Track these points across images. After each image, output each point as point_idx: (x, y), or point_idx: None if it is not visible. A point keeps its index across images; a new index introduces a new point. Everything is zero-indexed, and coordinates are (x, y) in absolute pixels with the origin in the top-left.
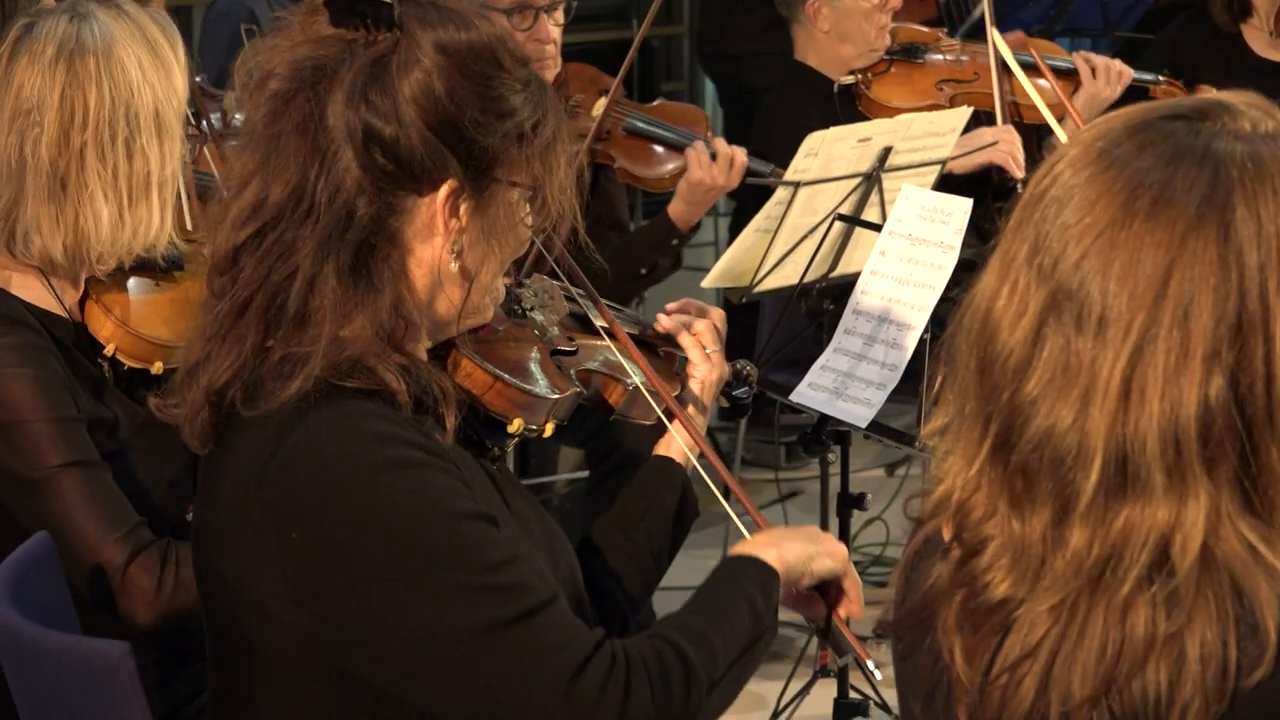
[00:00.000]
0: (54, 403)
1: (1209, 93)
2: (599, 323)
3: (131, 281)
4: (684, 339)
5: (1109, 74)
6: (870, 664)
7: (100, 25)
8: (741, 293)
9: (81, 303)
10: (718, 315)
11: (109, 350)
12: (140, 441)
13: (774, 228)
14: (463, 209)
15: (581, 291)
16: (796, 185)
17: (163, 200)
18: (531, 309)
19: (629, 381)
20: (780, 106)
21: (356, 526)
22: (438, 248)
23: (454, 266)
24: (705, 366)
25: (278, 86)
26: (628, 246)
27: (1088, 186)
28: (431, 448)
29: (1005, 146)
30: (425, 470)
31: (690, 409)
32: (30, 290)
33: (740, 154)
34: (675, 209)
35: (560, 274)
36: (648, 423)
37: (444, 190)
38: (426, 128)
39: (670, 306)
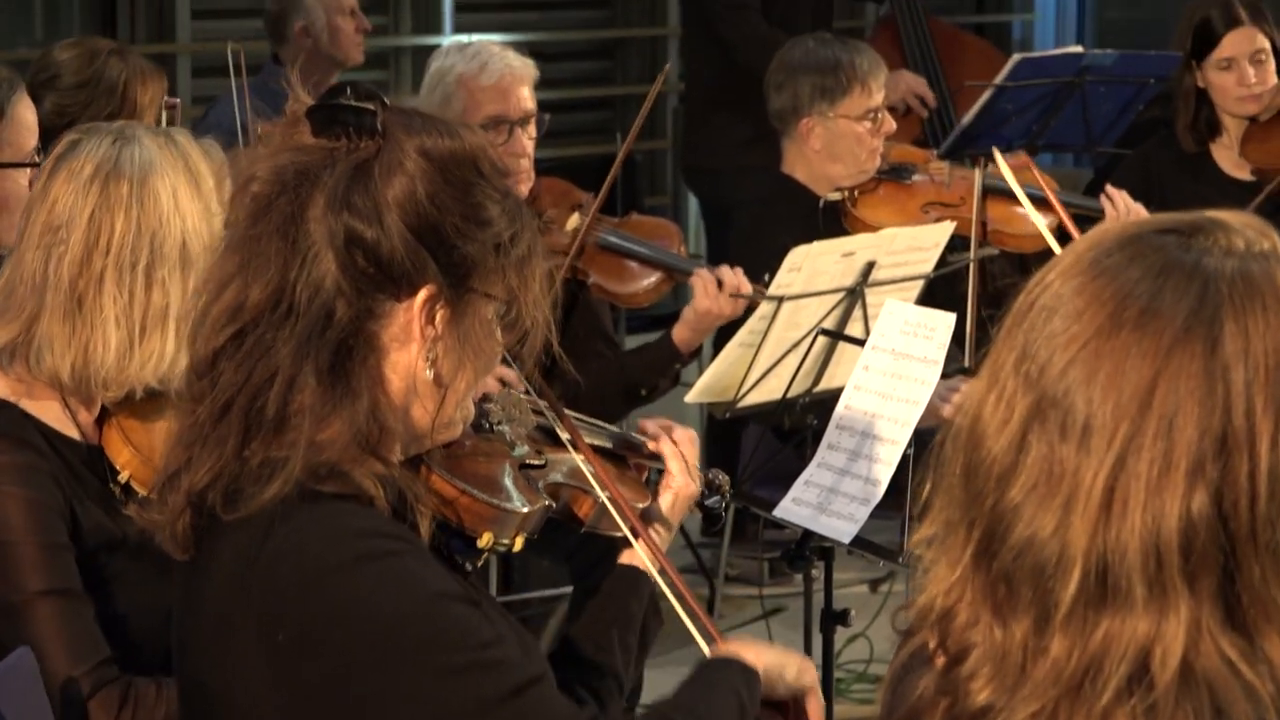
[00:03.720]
0: (44, 528)
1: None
2: (564, 437)
3: (155, 409)
4: (665, 447)
5: (1130, 214)
6: None
7: (142, 151)
8: (725, 408)
9: (102, 422)
10: (692, 432)
11: (123, 477)
12: (146, 562)
13: (757, 342)
14: (439, 317)
15: (546, 405)
16: (780, 300)
17: (179, 334)
18: (499, 423)
19: (598, 495)
20: (763, 220)
21: (343, 620)
22: (413, 355)
23: (429, 374)
24: (684, 479)
25: (259, 190)
26: (627, 368)
27: (1076, 296)
28: (409, 537)
29: None
30: (405, 558)
31: (657, 525)
32: (46, 409)
33: (745, 284)
34: (680, 334)
35: (530, 389)
36: (618, 535)
37: (421, 295)
38: (408, 231)
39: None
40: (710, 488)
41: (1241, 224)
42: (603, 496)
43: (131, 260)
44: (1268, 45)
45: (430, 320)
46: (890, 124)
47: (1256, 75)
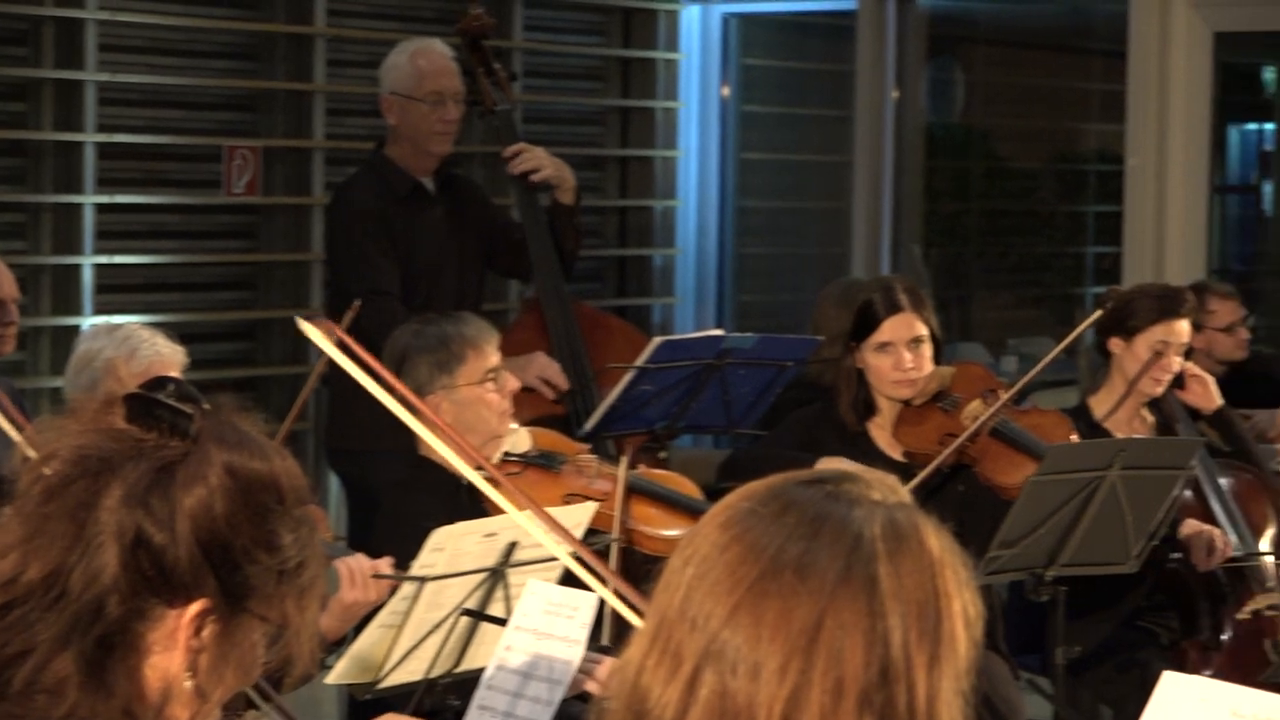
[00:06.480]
0: None
1: None
2: None
3: None
4: None
5: None
6: None
7: None
8: (366, 689)
9: None
10: None
11: None
12: None
13: (399, 623)
14: (207, 630)
15: None
16: (423, 580)
17: None
18: None
19: None
20: (405, 502)
21: None
22: (175, 661)
23: (188, 684)
24: None
25: (58, 469)
26: None
27: (736, 544)
28: None
29: None
30: None
31: None
32: None
33: (384, 565)
34: (325, 624)
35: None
36: None
37: (194, 607)
38: (196, 544)
39: None
40: None
41: (876, 479)
42: None
43: None
44: (925, 332)
45: (197, 632)
46: (514, 382)
47: (913, 360)
